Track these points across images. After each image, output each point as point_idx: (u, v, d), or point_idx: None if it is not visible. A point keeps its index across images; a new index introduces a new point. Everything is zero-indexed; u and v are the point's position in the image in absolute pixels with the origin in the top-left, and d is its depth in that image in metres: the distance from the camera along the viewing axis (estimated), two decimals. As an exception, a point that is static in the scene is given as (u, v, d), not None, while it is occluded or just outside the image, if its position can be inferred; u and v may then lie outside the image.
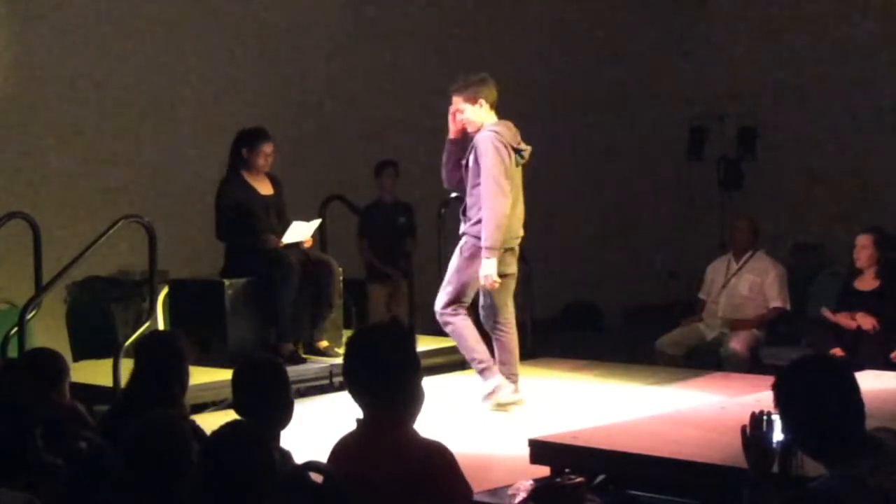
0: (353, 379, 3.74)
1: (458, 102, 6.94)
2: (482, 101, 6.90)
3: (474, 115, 6.91)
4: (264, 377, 4.60)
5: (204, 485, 3.53)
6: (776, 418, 3.68)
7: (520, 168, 6.98)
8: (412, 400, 3.71)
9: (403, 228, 9.96)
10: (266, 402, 4.48)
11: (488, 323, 7.11)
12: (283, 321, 7.81)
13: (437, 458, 3.63)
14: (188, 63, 10.22)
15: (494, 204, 6.74)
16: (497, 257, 6.80)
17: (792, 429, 3.53)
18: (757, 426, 3.73)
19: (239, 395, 4.63)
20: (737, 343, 8.40)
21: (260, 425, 4.38)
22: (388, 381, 3.67)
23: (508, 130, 6.90)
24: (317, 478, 3.88)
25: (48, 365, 5.06)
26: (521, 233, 7.06)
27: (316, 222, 8.23)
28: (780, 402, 3.53)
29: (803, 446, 3.57)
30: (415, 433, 3.71)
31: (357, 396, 3.72)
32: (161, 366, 5.07)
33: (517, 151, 6.90)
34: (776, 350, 8.36)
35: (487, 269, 6.78)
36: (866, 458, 3.39)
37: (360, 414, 3.75)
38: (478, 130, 6.90)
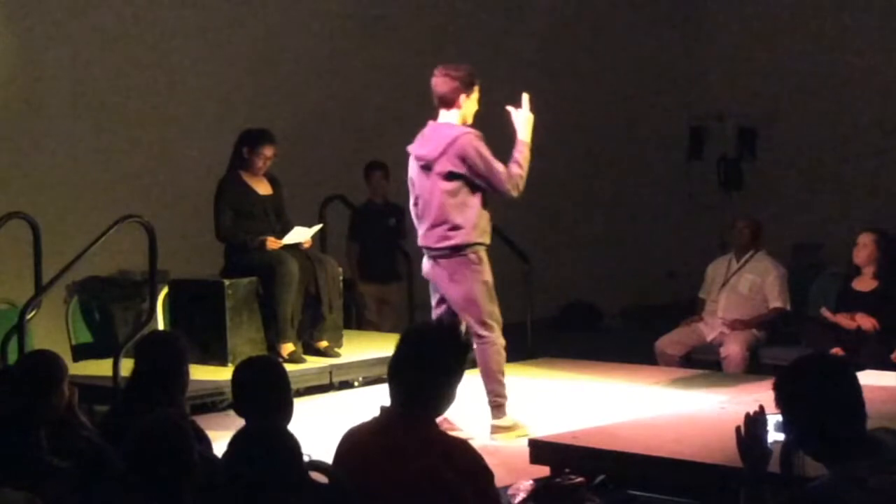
0: (401, 370, 3.78)
1: None
2: None
3: None
4: (264, 377, 4.60)
5: (209, 485, 3.53)
6: (771, 418, 3.68)
7: (426, 172, 6.63)
8: (446, 403, 3.82)
9: (393, 230, 9.77)
10: (266, 402, 4.48)
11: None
12: (282, 321, 7.81)
13: (466, 453, 3.72)
14: (187, 63, 10.22)
15: None
16: None
17: (793, 428, 3.53)
18: (752, 426, 3.73)
19: (239, 395, 4.63)
20: (736, 343, 8.40)
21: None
22: (435, 380, 3.76)
23: (419, 137, 6.74)
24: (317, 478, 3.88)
25: (48, 366, 5.05)
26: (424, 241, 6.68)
27: (317, 227, 8.24)
28: (781, 401, 3.53)
29: (804, 446, 3.57)
30: (437, 428, 3.80)
31: (397, 387, 3.77)
32: (161, 366, 5.08)
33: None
34: (776, 350, 8.36)
35: None
36: (866, 458, 3.39)
37: (384, 402, 3.80)
38: None
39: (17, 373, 4.95)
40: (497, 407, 6.50)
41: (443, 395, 3.79)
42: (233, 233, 7.92)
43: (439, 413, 3.83)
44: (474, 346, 6.45)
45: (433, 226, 6.54)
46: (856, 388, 3.50)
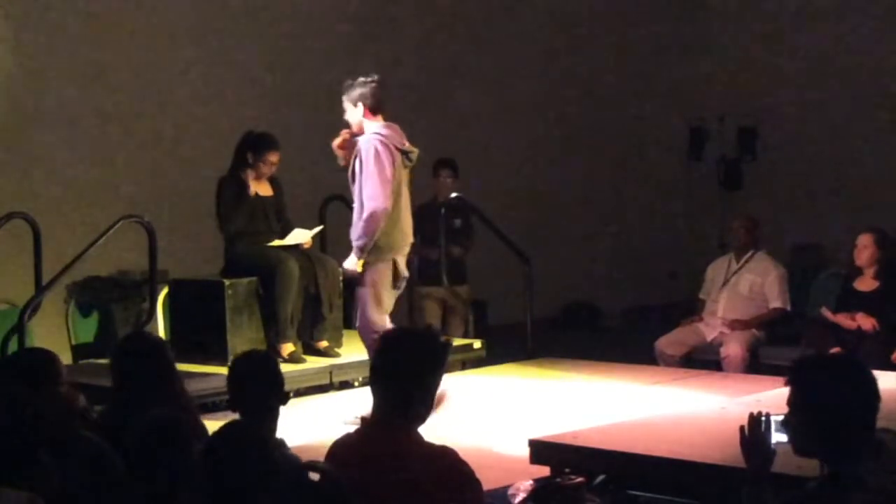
0: (378, 378, 3.74)
1: (344, 103, 7.02)
2: (360, 102, 6.95)
3: (352, 116, 6.99)
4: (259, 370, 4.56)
5: (204, 485, 3.53)
6: (774, 419, 3.67)
7: (408, 170, 6.99)
8: (426, 410, 3.74)
9: (459, 231, 9.42)
10: (258, 396, 4.46)
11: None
12: (282, 321, 7.81)
13: (446, 462, 3.65)
14: (188, 62, 10.22)
15: (374, 206, 6.73)
16: (364, 258, 6.80)
17: (799, 426, 3.50)
18: (756, 426, 3.72)
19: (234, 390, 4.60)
20: (736, 343, 8.40)
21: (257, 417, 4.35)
22: (416, 386, 3.69)
23: (394, 133, 6.92)
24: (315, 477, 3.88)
25: (46, 364, 5.04)
26: (411, 238, 7.08)
27: (317, 229, 8.25)
28: (795, 397, 3.49)
29: (808, 444, 3.55)
30: (419, 437, 3.72)
31: (379, 391, 3.72)
32: (141, 369, 5.02)
33: (404, 153, 6.90)
34: (776, 350, 8.36)
35: (350, 263, 6.88)
36: (867, 459, 3.39)
37: (364, 412, 3.75)
38: (359, 133, 6.94)
39: (16, 370, 4.95)
40: None
41: (422, 402, 3.71)
42: (235, 222, 7.90)
43: (420, 421, 3.73)
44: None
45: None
46: (871, 389, 3.47)
